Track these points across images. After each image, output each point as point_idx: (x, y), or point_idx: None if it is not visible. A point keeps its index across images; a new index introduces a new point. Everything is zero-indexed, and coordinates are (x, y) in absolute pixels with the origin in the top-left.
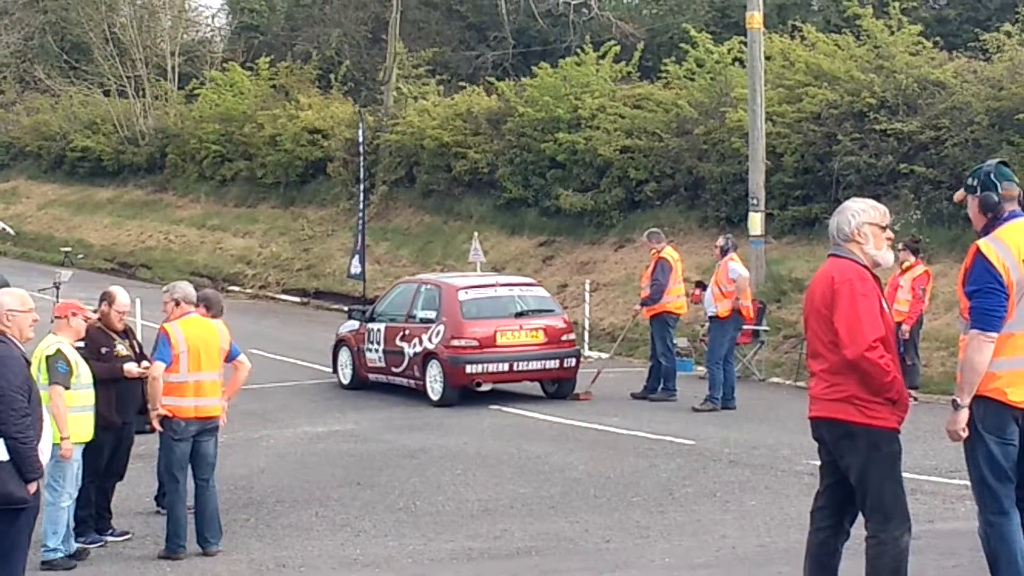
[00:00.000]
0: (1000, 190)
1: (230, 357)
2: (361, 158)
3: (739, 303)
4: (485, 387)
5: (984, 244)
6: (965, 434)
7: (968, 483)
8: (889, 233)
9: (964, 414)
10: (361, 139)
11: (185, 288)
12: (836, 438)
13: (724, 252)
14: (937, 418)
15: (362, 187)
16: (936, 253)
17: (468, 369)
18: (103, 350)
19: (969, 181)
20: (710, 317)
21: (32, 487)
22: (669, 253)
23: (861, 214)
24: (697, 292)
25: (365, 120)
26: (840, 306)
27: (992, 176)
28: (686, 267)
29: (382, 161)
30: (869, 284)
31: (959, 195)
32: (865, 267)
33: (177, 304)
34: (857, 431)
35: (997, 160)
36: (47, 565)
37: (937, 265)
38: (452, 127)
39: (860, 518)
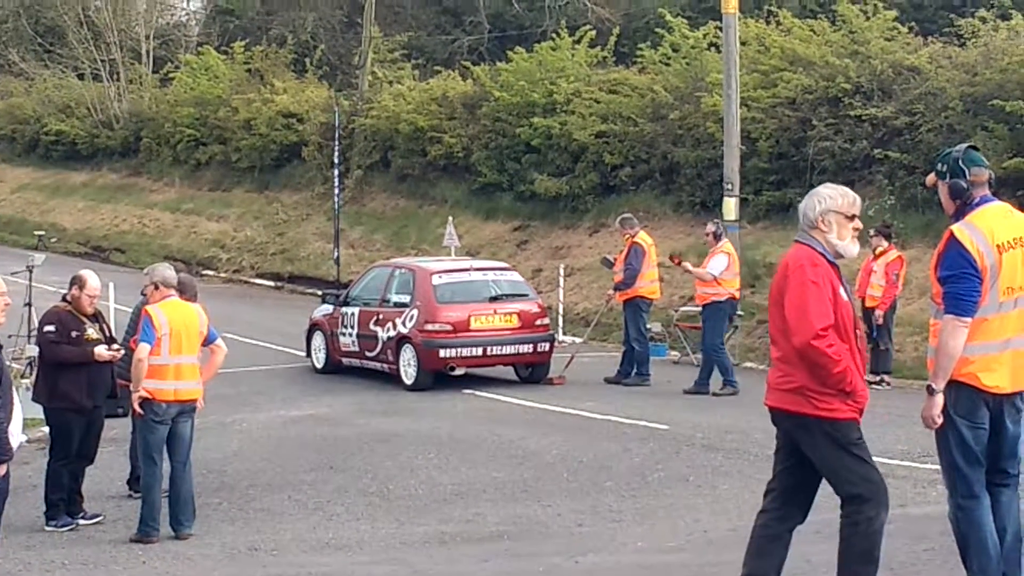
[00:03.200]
0: (968, 176)
1: (208, 341)
2: (336, 143)
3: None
4: (459, 371)
5: (958, 229)
6: (940, 420)
7: (939, 467)
8: (857, 223)
9: (940, 399)
10: (337, 123)
11: (164, 271)
12: (791, 428)
13: (717, 238)
14: (910, 403)
15: (337, 172)
16: (910, 238)
17: (442, 353)
18: (73, 334)
19: (938, 167)
20: (704, 304)
21: (2, 469)
22: (643, 238)
23: (827, 200)
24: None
25: (340, 105)
26: (789, 293)
27: (960, 162)
28: (660, 252)
29: (357, 145)
30: (821, 270)
31: (931, 179)
32: (822, 254)
33: (156, 287)
34: (811, 423)
35: (967, 144)
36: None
37: (911, 250)
38: (427, 111)
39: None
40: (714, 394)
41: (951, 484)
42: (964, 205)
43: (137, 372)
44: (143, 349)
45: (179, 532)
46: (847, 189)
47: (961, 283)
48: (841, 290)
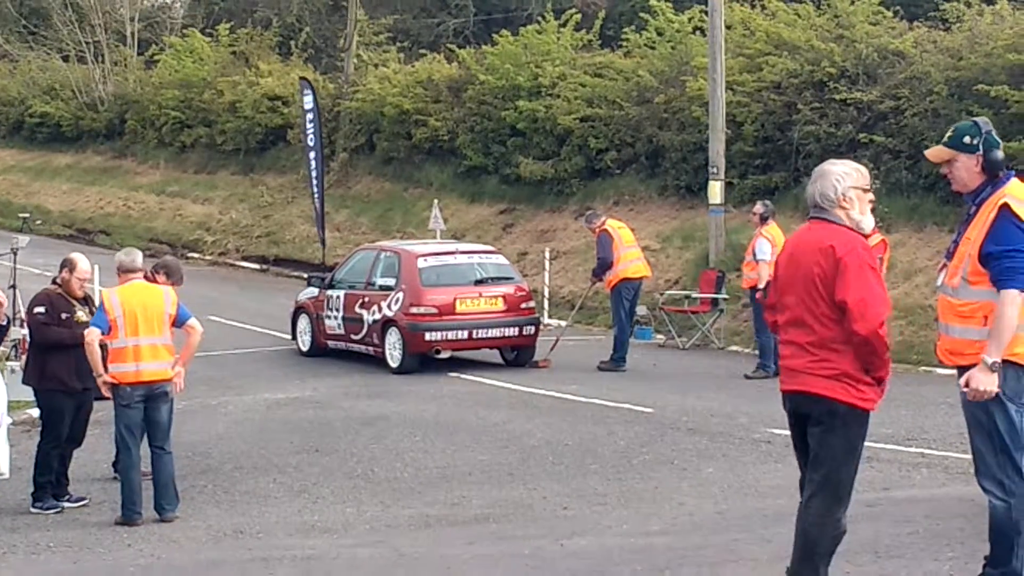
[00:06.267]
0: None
1: (179, 322)
2: (308, 124)
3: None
4: (444, 354)
5: (1014, 204)
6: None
7: (922, 451)
8: (871, 195)
9: (997, 375)
10: (311, 106)
11: (120, 256)
12: (818, 413)
13: (763, 220)
14: (894, 387)
15: (313, 154)
16: (895, 223)
17: (427, 336)
18: (63, 316)
19: (966, 140)
20: (750, 288)
21: None
22: (610, 224)
23: (846, 178)
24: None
25: (316, 87)
26: (849, 279)
27: (993, 135)
28: (646, 236)
29: (342, 128)
30: (873, 255)
31: (944, 153)
32: (863, 235)
33: (119, 273)
34: (840, 409)
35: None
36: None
37: (896, 235)
38: (413, 94)
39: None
40: (746, 376)
41: (1001, 468)
42: (993, 179)
43: (91, 356)
44: (92, 333)
45: (162, 516)
46: (856, 163)
47: (1021, 257)
48: None
